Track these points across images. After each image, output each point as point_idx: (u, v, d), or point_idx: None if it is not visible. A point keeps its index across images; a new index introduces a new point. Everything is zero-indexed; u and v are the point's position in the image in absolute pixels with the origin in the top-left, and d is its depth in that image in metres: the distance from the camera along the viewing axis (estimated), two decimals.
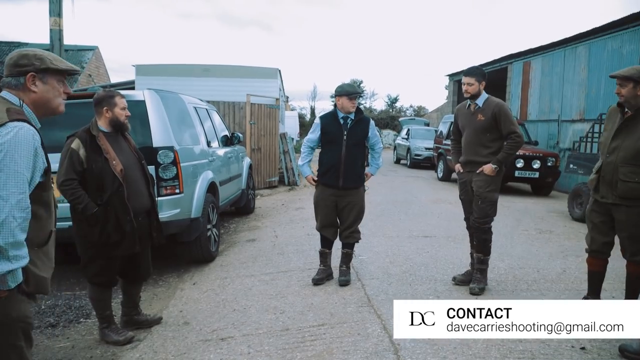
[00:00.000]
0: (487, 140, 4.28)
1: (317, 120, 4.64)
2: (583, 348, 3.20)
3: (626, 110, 3.45)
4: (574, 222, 7.93)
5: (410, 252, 5.73)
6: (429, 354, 3.12)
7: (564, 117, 12.98)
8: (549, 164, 11.01)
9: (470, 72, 4.33)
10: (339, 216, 4.61)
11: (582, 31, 12.15)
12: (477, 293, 4.23)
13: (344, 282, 4.55)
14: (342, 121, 4.47)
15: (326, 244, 4.69)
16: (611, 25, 11.13)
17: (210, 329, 3.68)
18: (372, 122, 4.67)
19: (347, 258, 4.68)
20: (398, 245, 6.06)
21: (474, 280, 4.34)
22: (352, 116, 4.47)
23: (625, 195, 3.38)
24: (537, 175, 10.93)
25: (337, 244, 4.73)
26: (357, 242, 4.71)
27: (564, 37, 12.95)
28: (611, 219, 3.55)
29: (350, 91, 4.41)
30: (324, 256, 4.71)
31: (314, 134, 4.60)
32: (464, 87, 4.33)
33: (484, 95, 4.32)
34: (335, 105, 4.53)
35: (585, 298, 3.80)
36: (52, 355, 3.39)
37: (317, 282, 4.58)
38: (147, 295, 4.57)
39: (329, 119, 4.55)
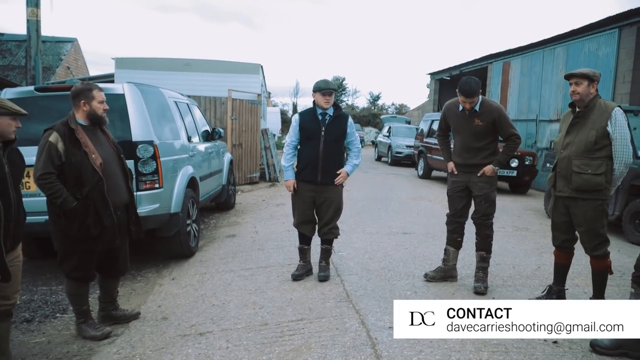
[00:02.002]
0: (485, 144, 4.34)
1: (295, 117, 4.63)
2: (555, 342, 3.28)
3: (577, 109, 3.69)
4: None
5: (389, 249, 5.79)
6: (406, 348, 3.17)
7: (541, 117, 13.20)
8: (527, 162, 11.22)
9: (473, 92, 4.13)
10: (317, 212, 4.62)
11: (560, 33, 12.38)
12: (483, 292, 4.25)
13: (323, 278, 4.58)
14: (320, 117, 4.47)
15: (304, 240, 4.71)
16: (588, 27, 11.34)
17: (188, 324, 3.67)
18: (350, 119, 4.65)
19: (326, 254, 4.71)
20: (377, 242, 6.12)
21: (478, 279, 4.38)
22: (330, 112, 4.48)
23: (579, 187, 3.58)
24: (514, 173, 11.12)
25: (317, 240, 4.75)
26: (336, 238, 4.74)
27: (543, 38, 13.18)
28: (571, 218, 3.74)
29: (322, 87, 4.41)
30: (303, 252, 4.73)
31: (293, 131, 4.59)
32: (466, 106, 4.21)
33: (479, 99, 4.26)
34: (314, 102, 4.53)
35: (549, 287, 4.05)
36: (27, 350, 3.36)
37: (296, 277, 4.61)
38: (125, 291, 4.54)
39: (308, 116, 4.55)
